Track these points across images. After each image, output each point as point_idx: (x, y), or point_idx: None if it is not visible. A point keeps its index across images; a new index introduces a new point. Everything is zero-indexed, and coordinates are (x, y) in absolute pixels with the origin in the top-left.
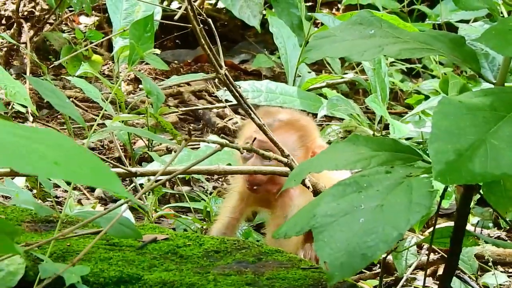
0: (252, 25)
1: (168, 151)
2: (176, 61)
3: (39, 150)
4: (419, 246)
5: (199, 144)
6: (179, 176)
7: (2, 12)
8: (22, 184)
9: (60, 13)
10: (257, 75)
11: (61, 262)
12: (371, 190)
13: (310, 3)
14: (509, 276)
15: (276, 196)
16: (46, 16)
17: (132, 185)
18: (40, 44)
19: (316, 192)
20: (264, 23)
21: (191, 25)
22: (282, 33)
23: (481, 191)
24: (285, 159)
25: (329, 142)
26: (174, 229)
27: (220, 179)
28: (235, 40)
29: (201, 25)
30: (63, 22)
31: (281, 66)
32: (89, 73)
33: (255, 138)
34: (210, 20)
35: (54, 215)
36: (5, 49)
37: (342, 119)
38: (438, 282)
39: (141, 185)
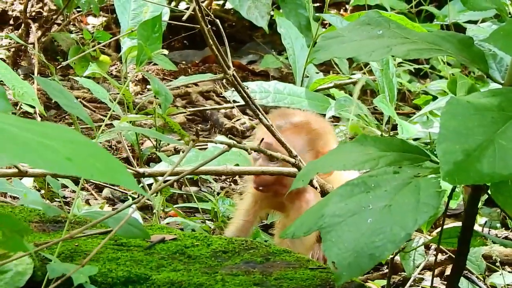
0: (260, 25)
1: (176, 151)
2: (183, 62)
3: (51, 146)
4: (427, 247)
5: (206, 145)
6: (187, 176)
7: (10, 13)
8: (30, 184)
9: (68, 14)
10: (265, 76)
11: (69, 262)
12: (379, 190)
13: (317, 4)
14: None
15: (285, 198)
16: (54, 17)
17: (140, 185)
18: (48, 45)
19: (323, 193)
20: (272, 23)
21: (199, 26)
22: (290, 34)
23: (489, 191)
24: (292, 160)
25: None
26: (182, 229)
27: (228, 180)
28: (243, 40)
29: (209, 26)
30: (71, 23)
31: (289, 67)
32: (97, 73)
33: (262, 139)
34: (218, 21)
35: (62, 215)
36: (13, 49)
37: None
38: (445, 282)
39: (149, 185)
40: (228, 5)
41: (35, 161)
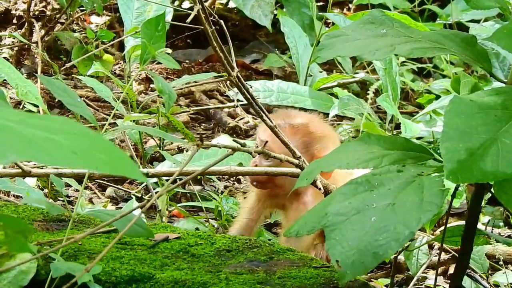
0: (263, 24)
1: (180, 150)
2: (187, 61)
3: (56, 140)
4: (430, 246)
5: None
6: (189, 175)
7: (14, 12)
8: (33, 183)
9: (71, 13)
10: (268, 75)
11: (73, 261)
12: (382, 188)
13: (321, 3)
14: None
15: (287, 198)
16: (57, 16)
17: (143, 184)
18: (51, 44)
19: (327, 193)
20: (275, 22)
21: (201, 27)
22: (293, 33)
23: (492, 189)
24: (296, 161)
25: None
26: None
27: (231, 179)
28: (246, 39)
29: (213, 26)
30: (74, 22)
31: (292, 66)
32: (100, 72)
33: (266, 141)
34: (222, 21)
35: (66, 214)
36: (16, 48)
37: (353, 119)
38: (449, 281)
39: (152, 184)
40: (232, 4)
41: (41, 158)
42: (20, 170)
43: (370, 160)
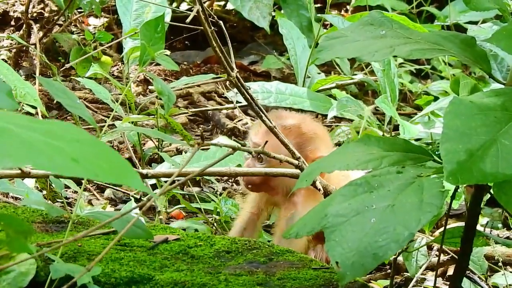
0: (261, 26)
1: (178, 152)
2: (185, 62)
3: (57, 146)
4: (429, 247)
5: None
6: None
7: (12, 14)
8: (32, 185)
9: (69, 15)
10: (266, 76)
11: (72, 263)
12: (382, 190)
13: (319, 5)
14: None
15: (279, 198)
16: (55, 18)
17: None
18: (50, 45)
19: (326, 194)
20: (273, 24)
21: (200, 27)
22: (291, 35)
23: (491, 191)
24: (295, 161)
25: (338, 143)
26: (184, 229)
27: (230, 180)
28: (244, 41)
29: (212, 28)
30: (72, 24)
31: (290, 67)
32: (99, 74)
33: (266, 141)
34: (221, 22)
35: (65, 215)
36: (14, 50)
37: (352, 120)
38: (448, 283)
39: (151, 185)
40: (230, 6)
41: (42, 164)
42: (19, 171)
43: (369, 161)
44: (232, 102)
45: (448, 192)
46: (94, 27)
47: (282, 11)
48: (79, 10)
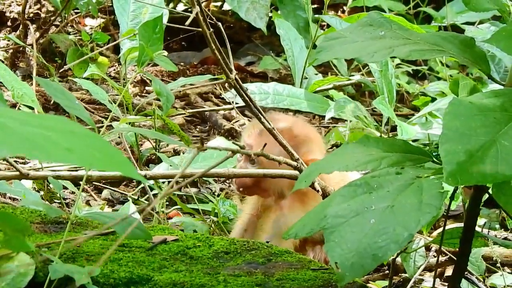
0: (258, 27)
1: (176, 153)
2: (182, 63)
3: (51, 138)
4: (427, 248)
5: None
6: (187, 177)
7: (8, 14)
8: (29, 186)
9: (66, 15)
10: (263, 77)
11: (71, 263)
12: (381, 191)
13: (316, 5)
14: None
15: (271, 199)
16: (52, 18)
17: (140, 186)
18: (46, 46)
19: (325, 195)
20: (270, 25)
21: (198, 29)
22: (289, 35)
23: (490, 191)
24: (294, 163)
25: (336, 145)
26: (182, 230)
27: (228, 181)
28: (241, 42)
29: (211, 29)
30: (69, 24)
31: (287, 68)
32: (95, 74)
33: (265, 144)
34: (219, 23)
35: (64, 216)
36: (11, 51)
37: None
38: (445, 283)
39: (149, 186)
40: (226, 6)
41: (36, 153)
42: (18, 173)
43: (369, 162)
44: (228, 103)
45: (447, 193)
46: (91, 28)
47: (279, 12)
48: (75, 11)
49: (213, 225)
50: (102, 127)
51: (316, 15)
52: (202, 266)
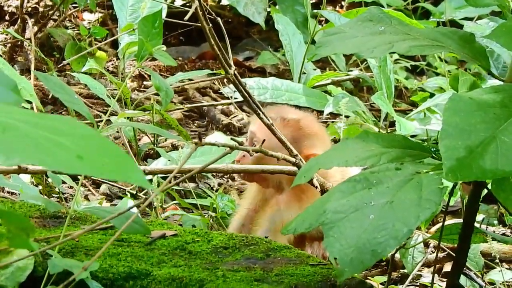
0: (256, 22)
1: (174, 147)
2: (180, 58)
3: (62, 143)
4: (426, 244)
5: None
6: (185, 173)
7: (6, 8)
8: (28, 180)
9: (64, 9)
10: (261, 72)
11: (70, 258)
12: (381, 186)
13: (314, 0)
14: None
15: (269, 192)
16: (50, 12)
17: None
18: (45, 40)
19: (323, 191)
20: (268, 20)
21: (197, 24)
22: (287, 30)
23: (489, 187)
24: (293, 159)
25: (335, 140)
26: (181, 225)
27: (225, 176)
28: (240, 37)
29: (210, 25)
30: (67, 19)
31: (285, 63)
32: (94, 69)
33: (264, 140)
34: (219, 19)
35: (63, 210)
36: (9, 45)
37: (347, 117)
38: (444, 279)
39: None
40: (225, 1)
41: (47, 162)
42: (16, 167)
43: (368, 158)
44: (227, 98)
45: (447, 188)
46: (89, 22)
47: (277, 7)
48: (73, 5)
49: (211, 220)
50: (100, 121)
51: (315, 10)
52: (201, 261)
